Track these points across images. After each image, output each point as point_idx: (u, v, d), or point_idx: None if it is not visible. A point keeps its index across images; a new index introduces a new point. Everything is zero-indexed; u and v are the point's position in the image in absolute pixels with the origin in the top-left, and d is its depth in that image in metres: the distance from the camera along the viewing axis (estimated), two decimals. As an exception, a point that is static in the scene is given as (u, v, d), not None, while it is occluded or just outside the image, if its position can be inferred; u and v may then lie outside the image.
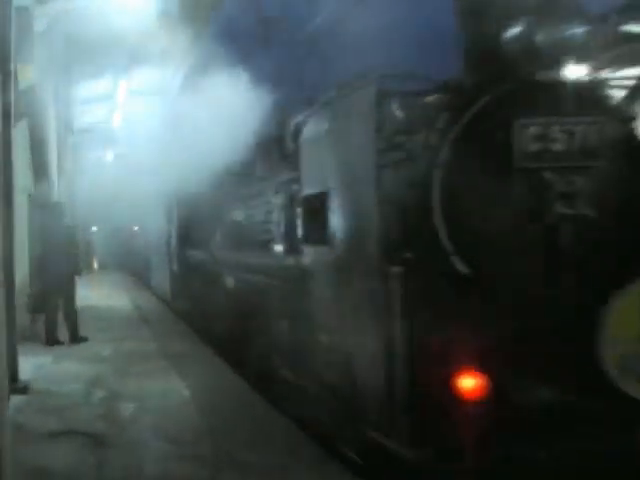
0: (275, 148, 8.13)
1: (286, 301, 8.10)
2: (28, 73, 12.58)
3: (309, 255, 7.18)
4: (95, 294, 22.27)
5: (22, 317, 12.87)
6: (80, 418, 8.22)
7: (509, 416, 4.73)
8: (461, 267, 5.10)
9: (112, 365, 11.46)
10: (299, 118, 7.45)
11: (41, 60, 14.63)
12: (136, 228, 34.34)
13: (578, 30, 5.46)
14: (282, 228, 8.44)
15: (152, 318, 18.22)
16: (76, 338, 13.63)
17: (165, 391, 9.62)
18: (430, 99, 5.82)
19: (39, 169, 17.01)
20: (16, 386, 8.87)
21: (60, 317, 13.90)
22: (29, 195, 15.46)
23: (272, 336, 8.78)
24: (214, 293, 12.82)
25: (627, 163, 5.18)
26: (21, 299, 12.24)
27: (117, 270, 39.68)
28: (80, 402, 9.02)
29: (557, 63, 5.41)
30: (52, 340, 13.29)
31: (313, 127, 6.98)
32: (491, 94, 5.34)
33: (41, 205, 14.85)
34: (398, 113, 5.80)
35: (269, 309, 8.88)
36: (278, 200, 8.57)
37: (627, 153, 5.22)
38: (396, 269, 5.16)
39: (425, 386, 4.91)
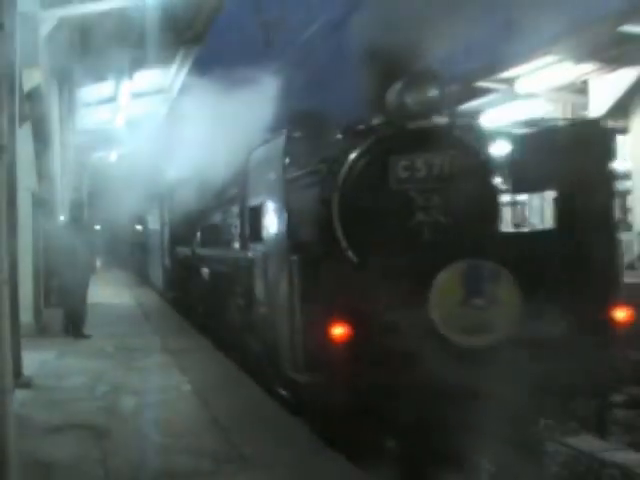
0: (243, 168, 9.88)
1: (239, 283, 10.47)
2: (33, 76, 12.57)
3: (252, 250, 9.36)
4: (98, 292, 22.25)
5: (26, 313, 12.87)
6: (83, 412, 8.24)
7: (366, 354, 6.56)
8: (352, 257, 7.37)
9: (115, 360, 11.48)
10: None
11: (46, 63, 14.63)
12: (139, 227, 34.38)
13: (435, 91, 7.56)
14: (238, 230, 10.91)
15: (154, 315, 18.24)
16: (79, 334, 13.88)
17: (167, 385, 9.64)
18: (334, 140, 8.52)
19: (43, 169, 17.01)
20: (20, 381, 8.87)
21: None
22: (33, 194, 15.46)
23: (231, 308, 11.20)
24: (193, 281, 15.69)
25: (469, 184, 7.23)
26: (25, 295, 12.23)
27: (120, 269, 39.65)
28: (83, 396, 9.03)
29: (421, 115, 7.60)
30: (67, 332, 13.85)
31: (256, 156, 9.04)
32: (374, 137, 7.67)
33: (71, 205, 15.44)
34: (309, 150, 8.37)
35: (229, 289, 11.35)
36: (236, 209, 10.99)
37: (468, 177, 7.31)
38: (294, 257, 7.17)
39: (312, 334, 6.88)
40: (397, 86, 7.59)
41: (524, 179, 8.27)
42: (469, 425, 6.32)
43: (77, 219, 15.26)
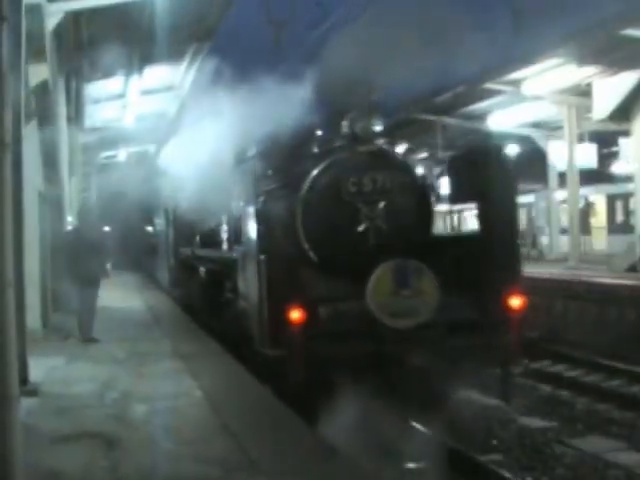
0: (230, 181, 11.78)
1: (226, 278, 12.51)
2: (39, 71, 12.53)
3: (236, 251, 11.36)
4: (108, 295, 22.17)
5: (33, 317, 12.82)
6: (92, 420, 8.15)
7: (317, 333, 8.59)
8: (313, 257, 9.59)
9: (125, 366, 11.40)
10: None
11: (52, 58, 14.58)
12: (148, 229, 34.45)
13: (377, 121, 9.83)
14: (226, 235, 13.16)
15: (164, 318, 18.19)
16: (87, 338, 13.92)
17: (178, 391, 9.56)
18: (299, 161, 10.57)
19: (50, 168, 16.98)
20: (26, 388, 8.77)
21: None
22: (39, 193, 15.42)
23: (221, 298, 13.00)
24: (192, 278, 17.84)
25: (405, 198, 9.69)
26: (32, 299, 12.19)
27: (130, 271, 39.61)
28: (92, 404, 8.95)
29: (365, 141, 9.84)
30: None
31: (237, 171, 11.20)
32: (329, 158, 9.89)
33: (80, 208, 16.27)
34: (281, 167, 10.57)
35: (220, 285, 13.25)
36: (225, 216, 13.09)
37: (405, 192, 9.69)
38: (262, 257, 9.04)
39: (275, 316, 8.73)
40: (350, 116, 9.90)
41: (456, 193, 10.83)
42: (397, 388, 8.49)
43: (86, 221, 15.45)
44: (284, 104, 10.83)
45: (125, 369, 11.13)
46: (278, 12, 22.27)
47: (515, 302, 9.40)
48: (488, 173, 9.73)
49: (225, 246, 13.18)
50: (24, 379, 8.77)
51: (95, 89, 23.44)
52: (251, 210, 9.64)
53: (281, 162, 10.73)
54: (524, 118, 28.61)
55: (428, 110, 29.79)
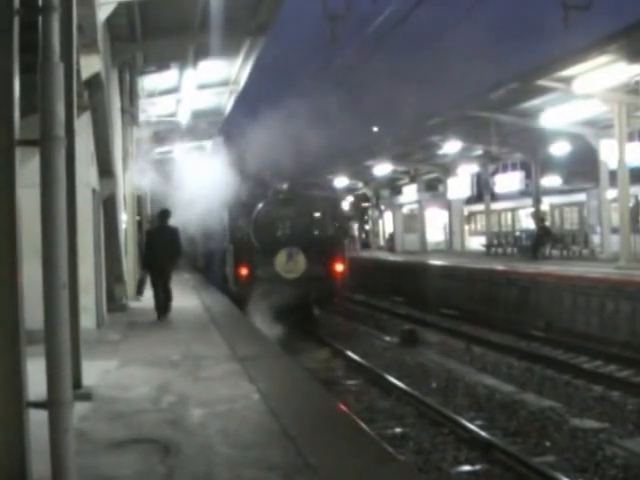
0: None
1: (224, 258, 26.07)
2: (92, 63, 12.57)
3: (225, 243, 26.13)
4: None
5: (88, 318, 12.88)
6: (148, 425, 8.13)
7: (255, 282, 23.35)
8: (259, 248, 23.93)
9: (181, 369, 11.39)
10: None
11: (105, 49, 14.64)
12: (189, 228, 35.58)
13: (288, 184, 25.60)
14: (225, 237, 26.26)
15: (222, 319, 18.17)
16: (165, 316, 17.77)
17: (236, 395, 9.51)
18: (253, 196, 25.62)
19: (103, 163, 17.07)
20: (80, 392, 8.76)
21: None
22: (93, 190, 15.53)
23: (223, 269, 26.27)
24: (213, 259, 30.57)
25: (302, 219, 24.70)
26: (86, 299, 12.24)
27: (184, 269, 39.91)
28: (148, 408, 8.94)
29: (282, 192, 25.31)
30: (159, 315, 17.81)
31: (225, 205, 25.48)
32: (266, 199, 24.71)
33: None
34: (246, 203, 25.50)
35: (222, 261, 26.60)
36: (223, 226, 26.56)
37: (302, 217, 24.78)
38: (231, 246, 24.88)
39: (237, 273, 24.19)
40: (275, 181, 25.04)
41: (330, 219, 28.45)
42: (291, 308, 21.98)
43: (163, 221, 18.56)
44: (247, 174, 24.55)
45: (181, 372, 11.11)
46: (334, 5, 22.56)
47: (339, 267, 23.81)
48: (336, 208, 27.74)
49: (225, 241, 25.79)
50: (77, 383, 8.77)
51: (149, 82, 23.59)
52: (226, 225, 24.64)
53: (244, 201, 24.45)
54: (576, 116, 29.19)
55: (482, 107, 30.08)
